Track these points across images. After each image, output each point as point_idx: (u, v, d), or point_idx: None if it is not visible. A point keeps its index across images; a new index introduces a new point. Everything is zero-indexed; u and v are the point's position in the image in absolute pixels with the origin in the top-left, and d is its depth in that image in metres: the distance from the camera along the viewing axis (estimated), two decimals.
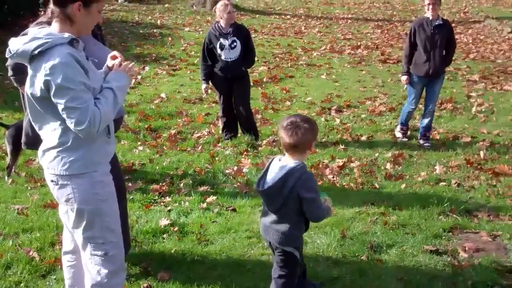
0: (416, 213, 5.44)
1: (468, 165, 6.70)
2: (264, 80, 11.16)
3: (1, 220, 5.22)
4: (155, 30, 16.63)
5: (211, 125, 8.22)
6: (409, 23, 18.85)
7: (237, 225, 5.20)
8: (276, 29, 17.99)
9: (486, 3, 25.46)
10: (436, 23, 7.13)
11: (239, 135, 7.60)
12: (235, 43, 7.11)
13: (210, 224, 5.23)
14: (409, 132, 7.77)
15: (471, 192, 6.03)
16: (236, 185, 6.15)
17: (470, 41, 15.96)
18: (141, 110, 8.87)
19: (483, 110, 9.08)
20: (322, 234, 4.97)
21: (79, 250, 3.53)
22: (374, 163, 6.81)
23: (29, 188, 6.03)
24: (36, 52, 2.97)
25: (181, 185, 6.16)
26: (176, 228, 5.11)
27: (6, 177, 6.16)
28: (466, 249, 4.78)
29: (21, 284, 4.23)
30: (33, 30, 3.15)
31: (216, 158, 6.94)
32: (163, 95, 9.82)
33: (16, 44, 3.04)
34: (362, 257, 4.63)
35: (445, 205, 5.56)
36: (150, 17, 19.22)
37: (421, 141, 7.50)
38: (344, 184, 6.20)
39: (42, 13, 3.32)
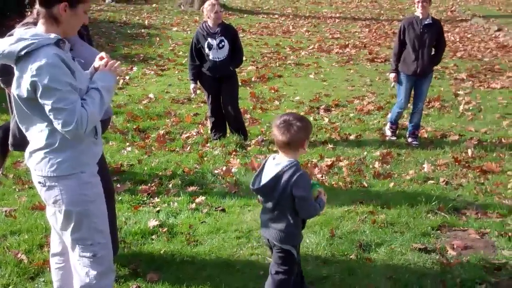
0: (405, 211, 5.46)
1: (456, 163, 6.73)
2: (253, 79, 11.15)
3: None
4: (142, 30, 16.57)
5: (200, 125, 8.20)
6: (397, 22, 18.99)
7: (226, 225, 5.20)
8: (264, 28, 17.99)
9: (473, 1, 25.57)
10: (426, 22, 7.13)
11: (227, 135, 7.59)
12: (223, 43, 7.10)
13: (199, 225, 5.22)
14: (397, 131, 7.79)
15: (459, 190, 6.05)
16: (225, 185, 6.14)
17: (457, 40, 16.02)
18: (129, 110, 8.84)
19: (470, 108, 9.12)
20: (311, 234, 4.97)
21: (67, 252, 3.52)
22: (363, 162, 6.83)
23: (17, 190, 5.99)
24: (22, 53, 2.96)
25: (170, 185, 6.14)
26: (165, 229, 5.10)
27: None
28: (455, 247, 4.81)
29: (10, 287, 4.21)
30: (19, 31, 3.14)
31: (205, 158, 6.93)
32: (151, 95, 9.79)
33: (2, 45, 3.02)
34: (351, 256, 4.64)
35: (433, 203, 5.58)
36: (137, 17, 19.16)
37: (409, 140, 7.52)
38: (332, 183, 6.21)
39: (29, 13, 3.30)
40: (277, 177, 3.46)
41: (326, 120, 8.49)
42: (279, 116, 3.57)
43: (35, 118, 3.11)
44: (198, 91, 7.71)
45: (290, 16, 21.08)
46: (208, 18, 7.10)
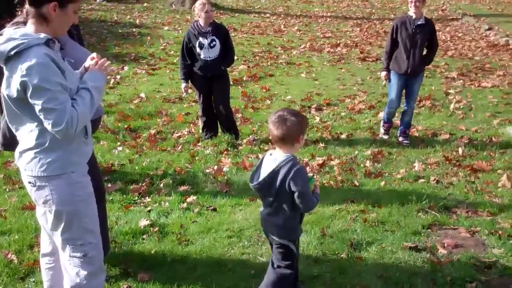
0: (396, 210, 5.47)
1: (447, 162, 6.75)
2: (244, 79, 11.15)
3: None
4: (134, 30, 16.52)
5: (191, 125, 8.19)
6: (388, 21, 19.04)
7: (217, 224, 5.20)
8: (256, 27, 17.98)
9: (464, 0, 25.66)
10: (419, 23, 7.12)
11: (219, 134, 7.59)
12: (214, 42, 7.09)
13: (191, 224, 5.22)
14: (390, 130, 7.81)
15: (449, 188, 6.07)
16: (216, 185, 6.14)
17: (448, 39, 16.10)
18: (120, 110, 8.82)
19: (461, 107, 9.15)
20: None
21: (57, 252, 3.51)
22: (354, 161, 6.84)
23: (7, 190, 5.97)
24: (12, 53, 2.94)
25: (161, 185, 6.13)
26: (156, 229, 5.09)
27: None
28: (445, 245, 4.83)
29: (0, 287, 4.19)
30: (8, 31, 3.12)
31: (196, 158, 6.92)
32: (142, 94, 9.77)
33: None
34: (342, 255, 4.65)
35: (424, 202, 5.60)
36: (129, 17, 19.11)
37: (400, 139, 7.54)
38: (324, 182, 6.22)
39: (19, 13, 3.28)
40: (274, 172, 3.52)
41: (318, 119, 8.50)
42: (275, 111, 3.62)
43: (25, 118, 3.10)
44: (189, 91, 7.70)
45: (282, 15, 21.09)
46: (199, 17, 7.09)
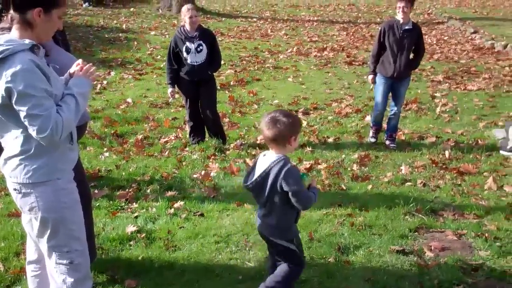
0: (383, 213, 5.49)
1: (433, 165, 6.78)
2: (231, 83, 11.16)
3: None
4: (120, 35, 16.50)
5: (178, 130, 8.18)
6: (375, 24, 19.13)
7: (205, 230, 5.18)
8: (243, 32, 18.02)
9: (450, 4, 25.84)
10: (406, 27, 7.14)
11: (206, 139, 7.57)
12: (201, 47, 7.09)
13: (178, 230, 5.20)
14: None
15: (436, 191, 6.09)
16: (203, 190, 6.12)
17: (434, 42, 16.19)
18: (107, 115, 8.78)
19: (447, 110, 9.20)
20: None
21: (44, 259, 3.49)
22: (341, 165, 6.85)
23: None
24: None
25: (148, 191, 6.11)
26: (143, 235, 5.07)
27: None
28: (432, 248, 4.84)
29: None
30: None
31: (184, 163, 6.91)
32: (129, 100, 9.74)
33: None
34: (329, 259, 4.65)
35: (411, 205, 5.62)
36: (115, 21, 19.08)
37: (387, 142, 7.56)
38: None
39: (4, 18, 3.26)
40: (266, 172, 3.56)
41: (305, 123, 8.50)
42: (269, 113, 3.66)
43: (10, 125, 3.08)
44: (176, 95, 7.68)
45: (269, 20, 21.14)
46: (185, 22, 7.09)
